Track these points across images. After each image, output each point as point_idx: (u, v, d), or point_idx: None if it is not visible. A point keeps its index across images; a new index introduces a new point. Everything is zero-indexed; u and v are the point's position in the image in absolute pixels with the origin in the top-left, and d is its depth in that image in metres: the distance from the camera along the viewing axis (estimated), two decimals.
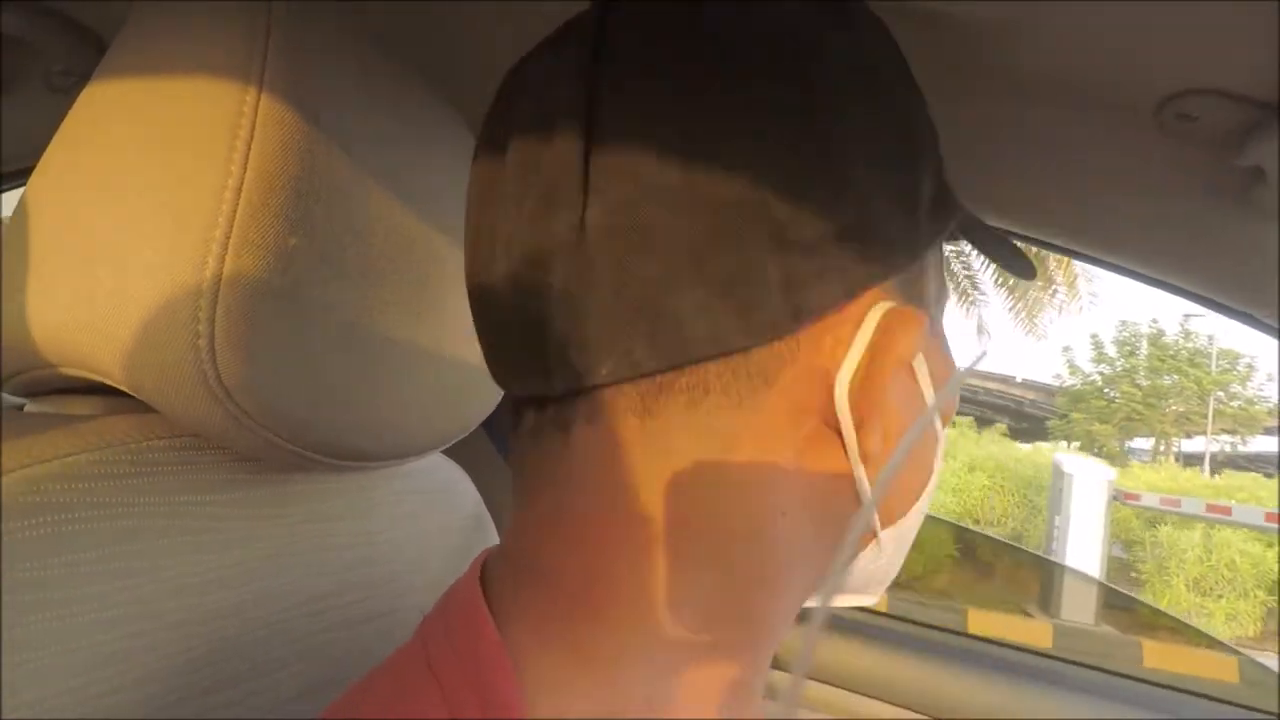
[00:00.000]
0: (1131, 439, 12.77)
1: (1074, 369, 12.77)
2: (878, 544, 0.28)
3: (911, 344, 0.25)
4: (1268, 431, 11.90)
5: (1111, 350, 12.50)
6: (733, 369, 0.24)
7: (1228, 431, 12.08)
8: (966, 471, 6.98)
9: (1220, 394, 11.76)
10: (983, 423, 11.59)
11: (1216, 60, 0.34)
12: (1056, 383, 13.09)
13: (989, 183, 0.50)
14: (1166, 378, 11.92)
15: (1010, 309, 8.71)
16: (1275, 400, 11.49)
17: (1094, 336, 12.15)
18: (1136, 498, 6.47)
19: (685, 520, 0.24)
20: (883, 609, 0.89)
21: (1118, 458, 11.40)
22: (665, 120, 0.23)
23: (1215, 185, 0.42)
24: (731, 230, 0.23)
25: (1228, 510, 5.81)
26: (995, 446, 8.65)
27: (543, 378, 0.24)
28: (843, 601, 0.32)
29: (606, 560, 0.24)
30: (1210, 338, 11.99)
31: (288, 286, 0.29)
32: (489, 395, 0.43)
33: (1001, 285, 7.91)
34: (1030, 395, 13.40)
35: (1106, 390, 12.49)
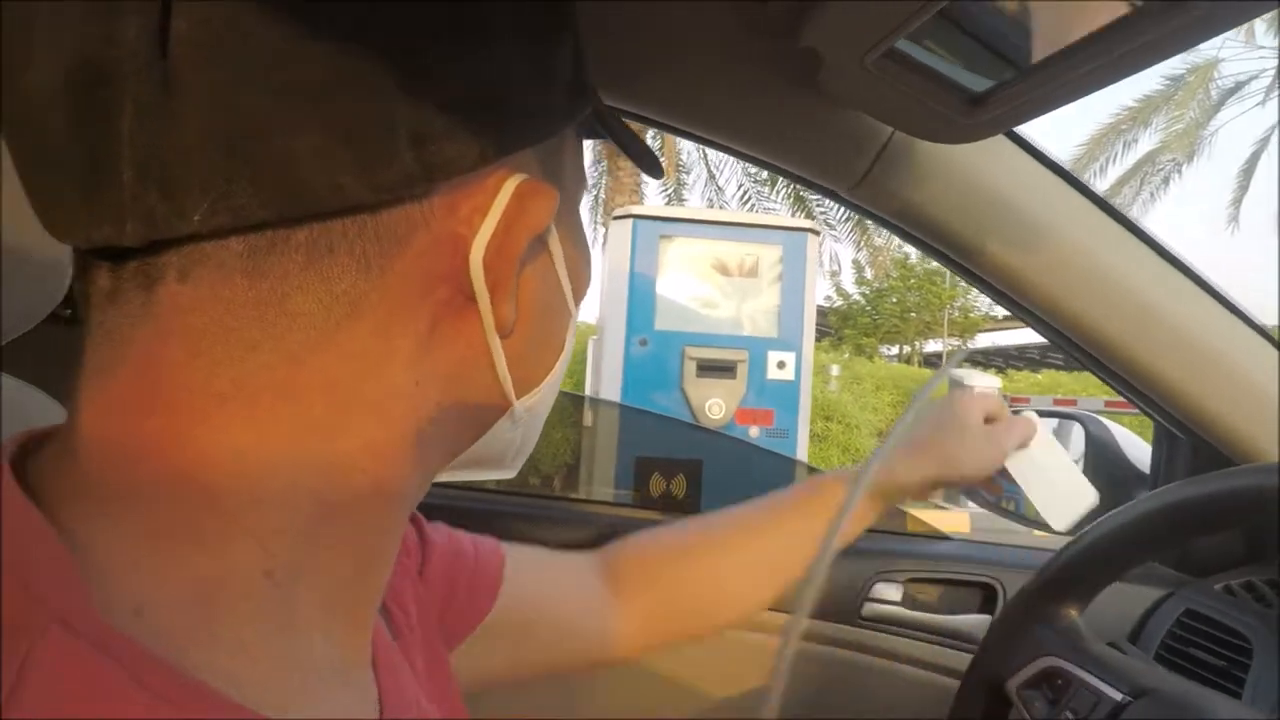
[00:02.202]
0: (891, 346, 15.44)
1: (841, 292, 15.11)
2: (512, 415, 0.29)
3: (543, 215, 0.25)
4: (983, 332, 14.96)
5: (869, 274, 14.86)
6: (359, 227, 0.22)
7: (956, 335, 14.99)
8: (874, 391, 7.61)
9: (951, 306, 14.54)
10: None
11: None
12: (828, 304, 15.34)
13: (635, 77, 0.54)
14: (912, 295, 14.48)
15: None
16: (987, 308, 14.40)
17: (855, 262, 14.35)
18: (1027, 400, 7.58)
19: (304, 389, 0.22)
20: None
21: (877, 360, 13.72)
22: None
23: (796, 75, 0.48)
24: (357, 70, 0.21)
25: (1073, 402, 6.82)
26: (895, 368, 9.73)
27: (114, 224, 0.20)
28: (481, 474, 0.32)
29: (206, 433, 0.21)
30: None
31: None
32: (45, 283, 0.38)
33: None
34: None
35: (869, 309, 14.94)
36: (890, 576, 0.75)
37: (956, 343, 14.92)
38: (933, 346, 15.14)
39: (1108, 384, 0.71)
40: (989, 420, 0.56)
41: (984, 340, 15.18)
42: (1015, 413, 0.56)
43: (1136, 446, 0.88)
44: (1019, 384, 9.20)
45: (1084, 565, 0.49)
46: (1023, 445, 0.54)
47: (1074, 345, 0.67)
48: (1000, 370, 12.09)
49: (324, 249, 0.22)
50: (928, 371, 10.51)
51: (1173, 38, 0.37)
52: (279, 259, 0.21)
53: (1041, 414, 1.11)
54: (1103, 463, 0.89)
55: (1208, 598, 0.73)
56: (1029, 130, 0.56)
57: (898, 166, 0.55)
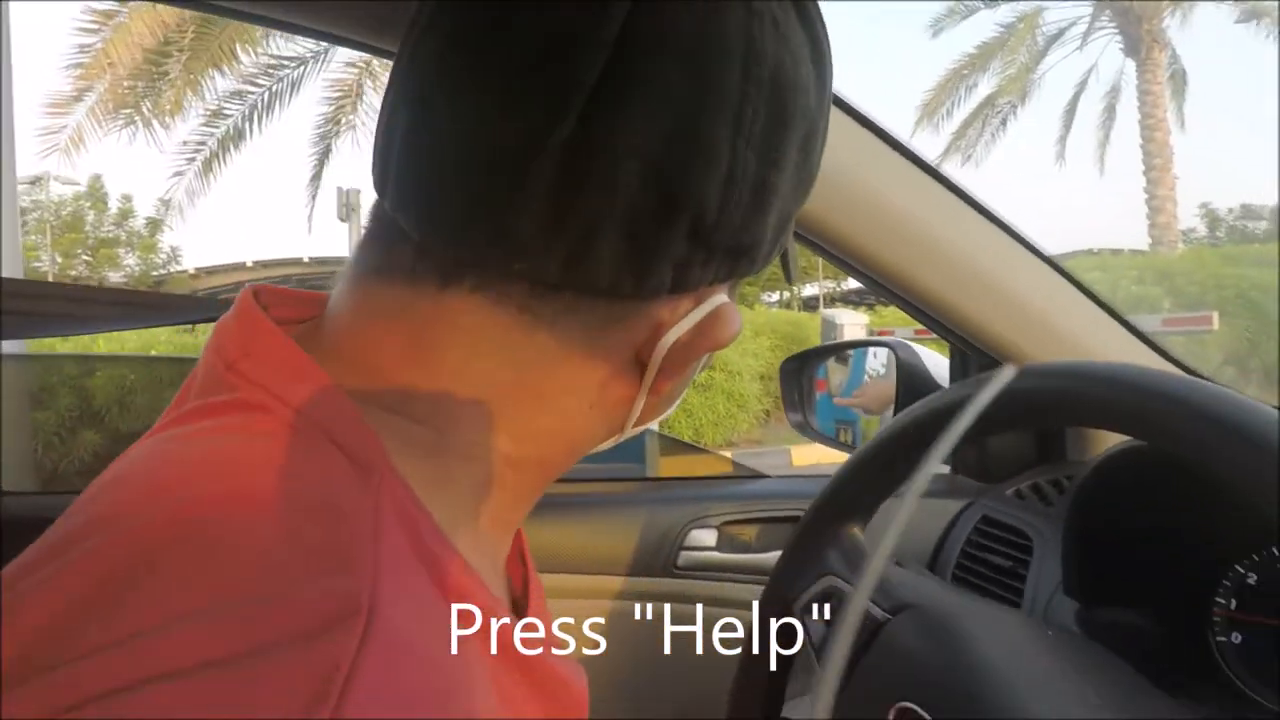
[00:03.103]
0: (772, 293, 16.01)
1: None
2: (615, 437, 0.35)
3: (726, 338, 0.31)
4: None
5: None
6: (606, 304, 0.29)
7: (830, 278, 15.74)
8: (754, 337, 7.76)
9: None
10: None
11: None
12: None
13: None
14: None
15: None
16: None
17: None
18: (890, 332, 7.94)
19: (526, 393, 0.30)
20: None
21: (757, 307, 14.16)
22: (675, 91, 0.26)
23: None
24: (669, 208, 0.26)
25: (891, 331, 7.52)
26: (773, 313, 10.00)
27: (454, 241, 0.27)
28: None
29: (458, 393, 0.29)
30: None
31: None
32: None
33: None
34: None
35: None
36: (705, 522, 0.74)
37: (831, 285, 15.67)
38: (810, 290, 15.86)
39: (903, 310, 0.73)
40: None
41: (855, 281, 15.97)
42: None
43: (941, 366, 0.92)
44: (885, 318, 9.82)
45: (855, 481, 0.49)
46: None
47: (868, 279, 0.67)
48: (870, 308, 12.84)
49: (574, 308, 0.28)
50: (804, 315, 11.05)
51: None
52: (543, 306, 0.28)
53: (858, 344, 1.14)
54: (911, 382, 0.93)
55: (1000, 503, 0.77)
56: None
57: None
